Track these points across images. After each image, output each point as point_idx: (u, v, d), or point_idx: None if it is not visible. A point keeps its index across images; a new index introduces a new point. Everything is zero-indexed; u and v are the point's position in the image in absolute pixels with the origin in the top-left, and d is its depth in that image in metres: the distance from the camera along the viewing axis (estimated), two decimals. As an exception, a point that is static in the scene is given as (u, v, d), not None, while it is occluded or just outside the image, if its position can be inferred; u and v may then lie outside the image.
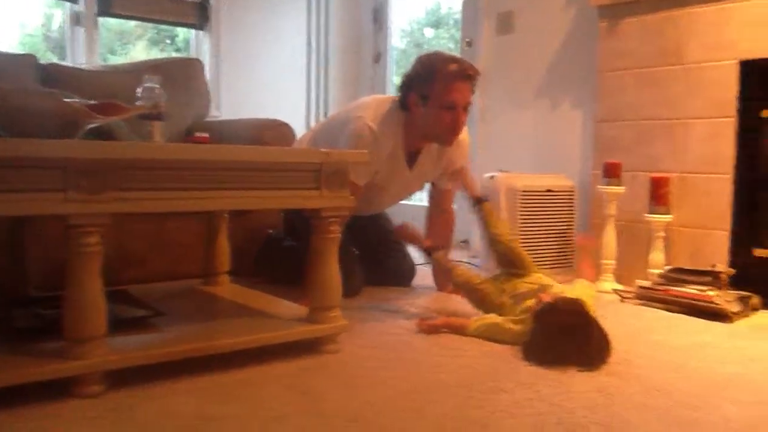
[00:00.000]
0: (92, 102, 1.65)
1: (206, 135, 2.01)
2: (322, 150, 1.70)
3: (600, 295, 2.51)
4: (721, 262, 2.49)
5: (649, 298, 2.42)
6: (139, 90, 1.75)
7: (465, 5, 3.86)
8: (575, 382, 1.57)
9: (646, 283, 2.48)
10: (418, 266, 2.71)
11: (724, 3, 2.56)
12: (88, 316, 1.38)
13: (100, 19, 3.60)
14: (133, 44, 4.20)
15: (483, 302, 2.03)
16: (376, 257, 2.61)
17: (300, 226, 2.35)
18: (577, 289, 1.97)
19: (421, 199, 3.26)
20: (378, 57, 4.54)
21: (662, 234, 2.65)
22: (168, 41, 4.31)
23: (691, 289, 2.33)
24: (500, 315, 1.93)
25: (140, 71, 2.05)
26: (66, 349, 1.39)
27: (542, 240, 2.94)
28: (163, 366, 1.49)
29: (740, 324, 2.20)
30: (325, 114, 4.33)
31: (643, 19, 2.81)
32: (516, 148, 3.53)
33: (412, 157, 2.41)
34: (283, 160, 1.64)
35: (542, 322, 1.72)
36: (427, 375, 1.61)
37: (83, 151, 1.35)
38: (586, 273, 2.14)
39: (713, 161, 2.60)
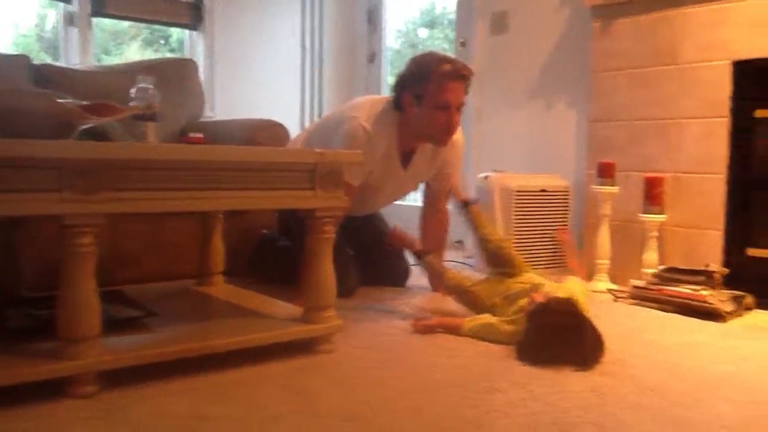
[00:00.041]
0: (85, 102, 1.65)
1: (200, 135, 2.01)
2: (317, 150, 1.70)
3: (594, 294, 2.51)
4: (714, 262, 2.49)
5: (643, 297, 2.43)
6: (132, 90, 1.75)
7: (459, 5, 3.87)
8: (569, 381, 1.57)
9: (640, 283, 2.49)
10: (412, 267, 2.71)
11: (717, 3, 2.57)
12: (82, 317, 1.38)
13: (94, 20, 3.59)
14: (127, 45, 4.19)
15: (475, 304, 2.03)
16: (371, 257, 2.61)
17: (294, 227, 2.35)
18: (568, 286, 1.94)
19: (415, 199, 3.26)
20: (372, 57, 4.54)
21: (656, 234, 2.66)
22: (162, 42, 4.30)
23: (684, 289, 2.34)
24: (493, 316, 1.93)
25: (134, 72, 2.05)
26: (60, 349, 1.39)
27: (537, 240, 2.95)
28: (157, 366, 1.49)
29: (734, 323, 2.21)
30: (320, 114, 4.33)
31: (636, 20, 2.82)
32: (510, 148, 3.54)
33: (406, 158, 2.41)
34: (278, 161, 1.64)
35: (535, 323, 1.72)
36: (422, 375, 1.61)
37: (78, 152, 1.35)
38: (575, 269, 2.14)
39: (707, 161, 2.61)
